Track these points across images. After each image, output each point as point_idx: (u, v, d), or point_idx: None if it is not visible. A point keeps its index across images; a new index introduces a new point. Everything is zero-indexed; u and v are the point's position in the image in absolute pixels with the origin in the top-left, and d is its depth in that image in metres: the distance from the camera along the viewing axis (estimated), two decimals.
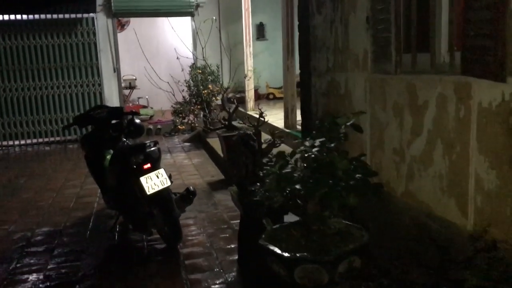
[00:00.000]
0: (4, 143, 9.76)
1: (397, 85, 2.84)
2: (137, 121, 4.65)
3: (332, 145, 2.32)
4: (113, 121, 4.49)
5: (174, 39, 10.45)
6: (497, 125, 2.15)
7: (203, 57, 7.84)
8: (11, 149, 9.53)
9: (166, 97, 8.72)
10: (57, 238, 4.36)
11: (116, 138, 4.42)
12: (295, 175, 2.33)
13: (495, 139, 2.17)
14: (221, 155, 6.59)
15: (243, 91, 9.70)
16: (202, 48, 7.80)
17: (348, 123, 2.33)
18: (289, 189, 2.27)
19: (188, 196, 4.01)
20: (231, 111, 6.43)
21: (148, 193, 3.70)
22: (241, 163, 3.56)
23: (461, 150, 2.41)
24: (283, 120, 6.80)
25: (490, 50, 2.12)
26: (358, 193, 2.20)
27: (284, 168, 2.35)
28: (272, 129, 6.35)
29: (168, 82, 8.20)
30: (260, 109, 3.88)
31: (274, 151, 2.98)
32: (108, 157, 4.32)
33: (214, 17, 9.77)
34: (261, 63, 10.81)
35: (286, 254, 2.24)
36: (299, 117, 6.83)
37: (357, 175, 2.26)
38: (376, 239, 2.68)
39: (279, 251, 2.29)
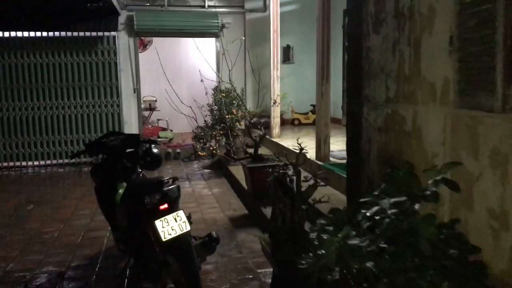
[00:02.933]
0: (17, 163, 9.36)
1: (500, 126, 2.16)
2: (155, 150, 4.13)
3: (417, 206, 1.70)
4: (128, 150, 3.97)
5: (197, 60, 10.02)
6: None
7: (229, 79, 7.29)
8: (24, 170, 9.12)
9: (187, 120, 8.22)
10: (57, 283, 3.80)
11: (130, 169, 3.90)
12: (363, 246, 1.70)
13: None
14: (245, 186, 6.01)
15: (267, 115, 9.12)
16: (229, 71, 7.26)
17: (438, 177, 1.70)
18: (357, 266, 1.65)
19: (210, 243, 3.40)
20: (257, 139, 5.86)
21: (163, 240, 3.13)
22: (277, 210, 2.95)
23: None
24: (314, 151, 6.18)
25: None
26: (456, 279, 1.56)
27: (349, 237, 1.73)
28: (313, 166, 5.72)
29: (191, 107, 7.68)
30: (299, 144, 3.27)
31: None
32: (121, 191, 3.78)
33: (243, 37, 9.29)
34: (286, 87, 10.25)
35: None
36: (332, 148, 6.22)
37: (452, 251, 1.63)
38: None
39: None
